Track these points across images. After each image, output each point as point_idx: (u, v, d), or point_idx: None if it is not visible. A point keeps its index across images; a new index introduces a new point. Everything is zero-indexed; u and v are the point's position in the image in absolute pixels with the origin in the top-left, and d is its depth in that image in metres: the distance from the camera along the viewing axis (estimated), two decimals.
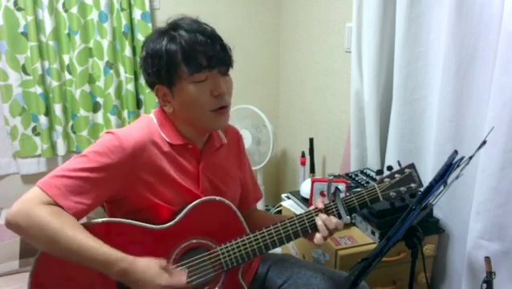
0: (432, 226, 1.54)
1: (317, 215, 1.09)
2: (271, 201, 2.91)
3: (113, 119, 2.41)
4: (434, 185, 1.01)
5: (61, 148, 2.35)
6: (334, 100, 2.25)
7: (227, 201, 1.11)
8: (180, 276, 1.00)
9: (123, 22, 2.31)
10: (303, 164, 2.40)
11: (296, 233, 1.09)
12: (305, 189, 1.72)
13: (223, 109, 1.09)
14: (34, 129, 2.33)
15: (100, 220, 1.03)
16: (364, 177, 1.74)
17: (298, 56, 2.59)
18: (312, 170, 2.34)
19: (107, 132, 1.06)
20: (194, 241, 1.09)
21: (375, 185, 1.12)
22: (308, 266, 1.29)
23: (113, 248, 0.95)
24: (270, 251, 1.11)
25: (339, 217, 1.09)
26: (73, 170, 0.99)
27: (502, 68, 1.20)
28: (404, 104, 1.64)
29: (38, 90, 2.24)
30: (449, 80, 1.42)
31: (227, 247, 1.08)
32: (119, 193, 1.05)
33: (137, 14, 2.34)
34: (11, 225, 0.95)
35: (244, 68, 2.71)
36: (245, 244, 1.08)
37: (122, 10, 2.30)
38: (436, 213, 1.57)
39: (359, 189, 1.13)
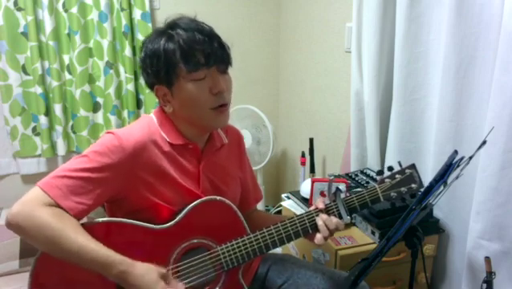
0: (432, 226, 1.54)
1: (317, 215, 1.09)
2: (271, 201, 2.91)
3: (113, 119, 2.41)
4: (434, 185, 1.01)
5: (61, 148, 2.35)
6: (334, 100, 2.25)
7: (227, 201, 1.11)
8: (178, 287, 1.00)
9: (123, 22, 2.31)
10: (303, 164, 2.40)
11: (297, 233, 1.09)
12: (305, 189, 1.72)
13: (223, 107, 1.09)
14: (34, 129, 2.33)
15: (101, 220, 1.03)
16: (364, 177, 1.74)
17: (298, 56, 2.59)
18: (312, 170, 2.34)
19: (108, 132, 1.06)
20: (195, 241, 1.09)
21: (376, 186, 1.12)
22: (308, 266, 1.30)
23: (113, 250, 0.95)
24: (270, 251, 1.11)
25: (340, 217, 1.09)
26: (74, 170, 0.99)
27: (502, 68, 1.20)
28: (404, 104, 1.64)
29: (38, 90, 2.24)
30: (449, 80, 1.42)
31: (227, 247, 1.08)
32: (120, 193, 1.05)
33: (137, 14, 2.34)
34: (12, 225, 0.95)
35: (244, 68, 2.71)
36: (246, 244, 1.08)
37: (122, 10, 2.30)
38: (436, 213, 1.57)
39: (359, 190, 1.14)
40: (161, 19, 1.11)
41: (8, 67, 2.21)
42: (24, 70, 2.25)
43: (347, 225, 1.58)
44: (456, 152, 1.05)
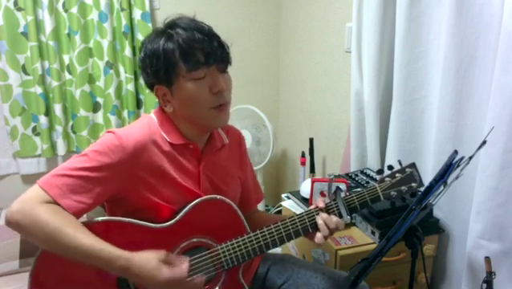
0: (432, 226, 1.54)
1: (318, 214, 1.09)
2: (271, 201, 2.91)
3: (113, 119, 2.41)
4: (434, 185, 1.01)
5: (61, 148, 2.35)
6: (334, 100, 2.25)
7: (228, 200, 1.11)
8: (181, 265, 0.98)
9: (123, 22, 2.31)
10: (303, 164, 2.40)
11: (297, 232, 1.09)
12: (305, 189, 1.72)
13: (223, 106, 1.09)
14: (34, 129, 2.33)
15: (100, 218, 1.03)
16: (364, 177, 1.74)
17: (298, 56, 2.59)
18: (312, 170, 2.34)
19: (108, 132, 1.06)
20: (195, 240, 1.09)
21: (376, 185, 1.12)
22: (308, 266, 1.29)
23: (112, 245, 0.95)
24: (270, 251, 1.11)
25: (340, 216, 1.09)
26: (74, 169, 0.99)
27: (502, 68, 1.20)
28: (404, 104, 1.64)
29: (38, 90, 2.24)
30: (449, 80, 1.42)
31: (228, 246, 1.08)
32: (120, 193, 1.05)
33: (137, 14, 2.34)
34: (11, 223, 0.95)
35: (244, 68, 2.71)
36: (246, 243, 1.08)
37: (122, 10, 2.30)
38: (436, 213, 1.57)
39: (359, 189, 1.13)
40: (161, 19, 1.11)
41: (8, 67, 2.21)
42: (24, 70, 2.25)
43: (347, 225, 1.58)
44: (456, 152, 1.05)
